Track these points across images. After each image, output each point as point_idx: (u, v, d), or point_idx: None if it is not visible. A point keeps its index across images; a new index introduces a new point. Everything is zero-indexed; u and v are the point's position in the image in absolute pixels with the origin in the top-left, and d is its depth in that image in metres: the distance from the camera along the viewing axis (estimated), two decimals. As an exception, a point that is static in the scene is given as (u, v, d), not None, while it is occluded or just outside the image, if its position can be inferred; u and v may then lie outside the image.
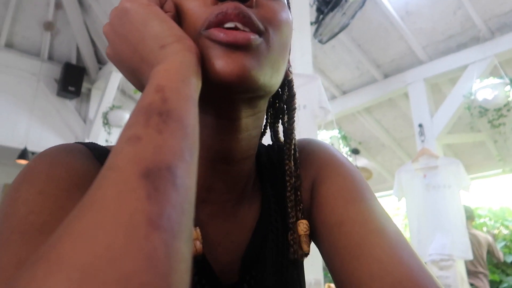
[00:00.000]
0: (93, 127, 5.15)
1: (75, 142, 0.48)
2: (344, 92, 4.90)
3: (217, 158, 0.46)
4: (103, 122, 4.69)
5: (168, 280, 0.21)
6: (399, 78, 4.31)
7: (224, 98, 0.42)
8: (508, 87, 3.38)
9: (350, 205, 0.46)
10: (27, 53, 5.18)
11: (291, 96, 0.53)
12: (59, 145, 0.45)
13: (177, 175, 0.26)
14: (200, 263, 0.44)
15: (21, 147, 4.61)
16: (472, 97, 3.51)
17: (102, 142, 4.85)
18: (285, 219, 0.51)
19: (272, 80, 0.42)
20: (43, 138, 5.01)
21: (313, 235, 0.51)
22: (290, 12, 0.49)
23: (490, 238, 3.97)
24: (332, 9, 3.00)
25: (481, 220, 5.75)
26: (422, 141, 3.89)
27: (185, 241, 0.24)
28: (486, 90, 3.44)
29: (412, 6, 3.69)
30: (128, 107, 5.12)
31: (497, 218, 5.61)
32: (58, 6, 5.01)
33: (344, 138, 4.59)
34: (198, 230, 0.44)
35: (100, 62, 5.54)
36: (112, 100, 4.96)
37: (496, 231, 5.51)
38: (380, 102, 4.77)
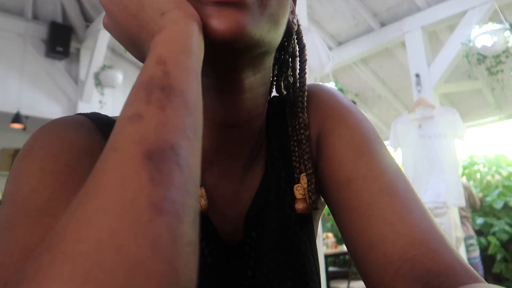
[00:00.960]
0: (85, 88, 5.06)
1: (77, 114, 0.46)
2: (340, 43, 4.79)
3: (224, 120, 0.45)
4: (95, 83, 4.61)
5: (175, 266, 0.22)
6: (396, 27, 4.20)
7: (224, 58, 0.40)
8: (508, 32, 3.30)
9: (359, 160, 0.44)
10: (9, 12, 4.97)
11: (301, 47, 0.52)
12: (60, 118, 0.45)
13: (180, 155, 0.26)
14: (203, 223, 0.44)
15: (14, 111, 4.55)
16: (471, 44, 3.43)
17: (95, 103, 4.79)
18: (291, 173, 0.51)
19: (270, 35, 0.41)
20: (35, 101, 4.94)
21: (321, 190, 0.50)
22: None
23: (468, 184, 4.12)
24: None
25: (475, 167, 5.85)
26: (419, 91, 3.85)
27: (191, 224, 0.24)
28: (485, 36, 3.36)
29: (410, -51, 3.52)
30: (119, 67, 5.01)
31: (491, 165, 5.70)
32: (38, -40, 4.76)
33: (341, 90, 4.55)
34: (203, 189, 0.44)
35: (87, 20, 5.34)
36: (103, 60, 4.84)
37: (490, 178, 5.62)
38: (376, 52, 4.68)
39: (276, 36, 0.42)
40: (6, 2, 4.93)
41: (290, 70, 0.52)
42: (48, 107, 5.04)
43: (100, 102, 4.59)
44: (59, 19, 5.21)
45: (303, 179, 0.48)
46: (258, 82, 0.45)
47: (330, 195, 0.46)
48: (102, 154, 0.26)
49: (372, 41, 4.43)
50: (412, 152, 3.75)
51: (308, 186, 0.48)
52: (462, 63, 3.86)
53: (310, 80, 2.27)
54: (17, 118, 4.48)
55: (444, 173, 3.50)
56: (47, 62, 5.12)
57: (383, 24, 4.36)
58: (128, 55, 5.14)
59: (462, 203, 3.42)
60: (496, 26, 3.33)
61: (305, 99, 0.51)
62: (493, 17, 3.51)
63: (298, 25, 0.52)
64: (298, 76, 0.52)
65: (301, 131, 0.49)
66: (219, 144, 0.47)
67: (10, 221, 0.34)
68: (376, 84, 5.26)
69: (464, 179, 4.15)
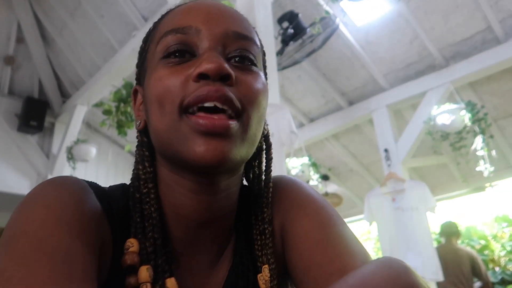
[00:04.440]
0: (57, 162, 4.97)
1: (78, 178, 0.47)
2: (312, 120, 5.00)
3: (199, 217, 0.47)
4: (67, 157, 4.53)
5: None
6: (363, 105, 4.45)
7: (205, 174, 0.44)
8: (464, 111, 3.55)
9: (316, 248, 0.46)
10: (-15, 88, 5.00)
11: (268, 147, 0.55)
12: (72, 177, 0.46)
13: None
14: None
15: (-22, 186, 4.37)
16: (432, 123, 3.66)
17: (66, 178, 4.65)
18: (255, 262, 0.52)
19: (249, 152, 0.45)
20: (3, 176, 4.77)
21: (290, 278, 0.51)
22: (265, 71, 0.52)
23: (474, 254, 3.78)
24: (295, 40, 3.10)
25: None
26: (389, 165, 3.98)
27: None
28: (444, 115, 3.60)
29: (371, 37, 3.87)
30: (94, 141, 4.99)
31: (463, 238, 5.76)
32: (20, 40, 4.91)
33: (314, 164, 4.64)
34: (173, 280, 0.45)
35: (64, 95, 5.42)
36: (77, 134, 4.82)
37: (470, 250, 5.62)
38: (346, 128, 4.89)
39: (253, 150, 0.46)
40: (-18, 78, 4.97)
41: (256, 163, 0.55)
42: (17, 182, 4.87)
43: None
44: (35, 94, 5.26)
45: (265, 271, 0.49)
46: (232, 183, 0.48)
47: (295, 282, 0.49)
48: None
49: (342, 118, 4.65)
50: (387, 225, 3.77)
51: (270, 281, 0.49)
52: (427, 139, 4.07)
53: (281, 154, 2.33)
54: (-20, 193, 4.28)
55: (418, 247, 3.50)
56: (19, 136, 5.06)
57: (351, 103, 4.62)
58: (103, 129, 5.17)
59: (440, 277, 3.38)
60: (453, 106, 3.59)
61: (270, 194, 0.52)
62: (451, 98, 3.79)
63: (266, 126, 0.54)
64: (263, 171, 0.54)
65: (265, 226, 0.50)
66: (191, 238, 0.48)
67: (24, 255, 0.33)
68: (348, 159, 5.42)
69: (469, 249, 3.94)
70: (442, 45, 3.77)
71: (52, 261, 0.33)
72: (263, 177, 0.53)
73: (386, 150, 4.06)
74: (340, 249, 0.45)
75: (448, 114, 3.58)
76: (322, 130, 4.84)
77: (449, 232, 3.86)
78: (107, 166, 5.53)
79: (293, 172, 4.42)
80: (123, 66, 4.07)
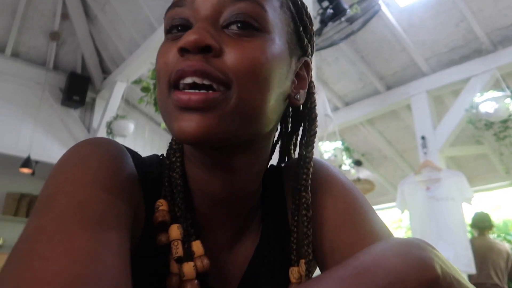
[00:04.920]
0: (97, 136, 5.16)
1: (120, 143, 0.47)
2: (347, 104, 4.92)
3: (217, 193, 0.47)
4: (107, 132, 4.71)
5: None
6: (402, 90, 4.32)
7: (201, 149, 0.44)
8: (509, 99, 3.38)
9: (340, 230, 0.46)
10: (33, 62, 5.23)
11: (312, 119, 0.51)
12: (110, 140, 0.46)
13: None
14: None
15: (25, 155, 4.63)
16: (474, 111, 3.51)
17: (105, 151, 4.85)
18: (287, 253, 0.50)
19: (245, 129, 0.41)
20: (46, 147, 5.03)
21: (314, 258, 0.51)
22: (296, 35, 0.48)
23: (510, 250, 3.64)
24: (334, 21, 3.03)
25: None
26: (425, 153, 3.88)
27: None
28: (487, 103, 3.44)
29: (415, 19, 3.72)
30: (132, 117, 5.15)
31: (500, 231, 5.57)
32: (65, 16, 5.08)
33: (347, 149, 4.59)
34: (199, 243, 0.46)
35: (105, 71, 5.59)
36: (116, 110, 4.99)
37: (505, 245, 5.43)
38: (383, 113, 4.78)
39: (258, 125, 0.43)
40: (30, 52, 5.21)
41: (292, 143, 0.53)
42: (59, 153, 5.10)
43: (110, 150, 4.65)
44: (78, 69, 5.46)
45: (302, 266, 0.48)
46: (251, 163, 0.47)
47: (319, 264, 0.49)
48: None
49: (378, 103, 4.54)
50: (420, 214, 3.69)
51: (306, 275, 0.48)
52: (468, 127, 3.92)
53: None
54: (27, 162, 4.54)
55: (452, 237, 3.42)
56: (63, 110, 5.29)
57: (389, 87, 4.50)
58: (141, 106, 5.31)
59: (472, 269, 3.30)
60: (498, 93, 3.42)
61: (309, 176, 0.49)
62: (496, 85, 3.61)
63: (310, 97, 0.52)
64: (303, 149, 0.51)
65: (303, 212, 0.48)
66: (212, 213, 0.49)
67: (61, 225, 0.32)
68: (383, 145, 5.31)
69: (507, 244, 3.75)
70: (490, 29, 3.57)
71: (89, 222, 0.33)
72: (303, 155, 0.50)
73: (423, 138, 3.95)
74: (366, 231, 0.45)
75: (492, 102, 3.41)
76: (358, 115, 4.75)
77: (483, 225, 3.73)
78: (144, 142, 5.70)
79: (326, 156, 4.39)
80: (162, 44, 4.13)
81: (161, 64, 0.42)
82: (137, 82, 4.16)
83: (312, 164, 0.50)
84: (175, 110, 0.40)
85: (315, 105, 0.52)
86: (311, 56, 0.52)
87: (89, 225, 0.33)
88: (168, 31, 0.45)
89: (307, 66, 0.51)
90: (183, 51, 0.40)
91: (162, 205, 0.46)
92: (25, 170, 4.58)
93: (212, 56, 0.39)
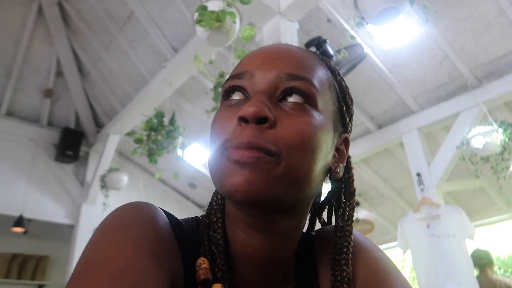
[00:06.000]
0: (91, 190, 5.12)
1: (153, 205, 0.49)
2: (340, 144, 4.94)
3: (255, 255, 0.49)
4: (101, 185, 4.66)
5: None
6: (393, 128, 4.38)
7: (245, 207, 0.46)
8: (496, 133, 3.41)
9: None
10: (26, 119, 5.28)
11: (350, 193, 0.54)
12: (148, 203, 0.48)
13: None
14: None
15: (17, 214, 4.54)
16: (464, 147, 3.53)
17: (99, 205, 4.79)
18: None
19: (291, 192, 0.44)
20: (40, 204, 4.96)
21: None
22: (340, 114, 0.52)
23: (509, 282, 3.56)
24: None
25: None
26: (422, 190, 3.86)
27: None
28: (477, 138, 3.47)
29: (400, 60, 3.85)
30: (126, 169, 5.12)
31: (507, 266, 5.43)
32: (59, 74, 5.20)
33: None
34: None
35: (98, 125, 5.63)
36: (110, 162, 4.97)
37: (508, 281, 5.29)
38: (376, 152, 4.80)
39: (302, 192, 0.46)
40: (24, 110, 5.27)
41: (342, 213, 0.54)
42: (52, 210, 5.04)
43: (104, 204, 4.59)
44: (72, 124, 5.50)
45: None
46: (291, 227, 0.49)
47: None
48: None
49: (371, 142, 4.58)
50: (422, 253, 3.61)
51: None
52: (462, 162, 3.93)
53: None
54: (19, 221, 4.45)
55: (458, 274, 3.32)
56: (56, 165, 5.27)
57: (380, 126, 4.56)
58: (134, 157, 5.30)
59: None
60: (487, 128, 3.46)
61: (350, 249, 0.51)
62: (485, 119, 3.67)
63: (348, 172, 0.55)
64: (343, 223, 0.53)
65: (345, 286, 0.49)
66: (250, 276, 0.50)
67: (98, 280, 0.34)
68: (379, 183, 5.30)
69: (507, 279, 3.66)
70: (473, 65, 3.69)
71: None
72: (343, 227, 0.52)
73: (418, 174, 3.95)
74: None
75: (481, 137, 3.45)
76: (352, 155, 4.75)
77: (481, 262, 3.62)
78: (138, 193, 5.64)
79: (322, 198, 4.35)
80: (154, 96, 4.21)
81: (218, 128, 0.46)
82: (130, 134, 4.19)
83: (352, 238, 0.52)
84: (229, 164, 0.42)
85: (353, 180, 0.55)
86: (350, 133, 0.57)
87: None
88: (225, 98, 0.49)
89: (346, 142, 0.55)
90: (241, 120, 0.43)
91: (204, 263, 0.47)
92: (17, 230, 4.47)
93: (266, 127, 0.43)
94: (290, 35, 2.75)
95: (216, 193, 0.54)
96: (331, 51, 3.09)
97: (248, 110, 0.42)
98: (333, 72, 0.53)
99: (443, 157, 3.86)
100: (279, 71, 0.46)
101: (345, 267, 0.50)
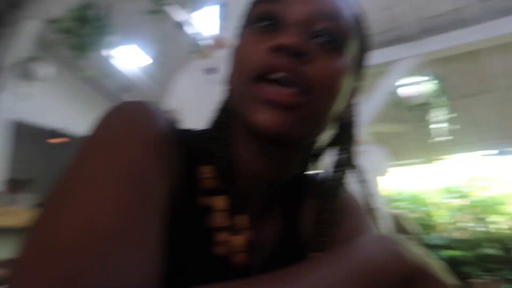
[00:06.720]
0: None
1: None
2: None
3: (259, 172, 0.49)
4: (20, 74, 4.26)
5: None
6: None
7: (265, 140, 0.45)
8: (428, 84, 3.52)
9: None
10: None
11: (348, 134, 0.54)
12: (154, 105, 0.45)
13: None
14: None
15: None
16: (395, 95, 3.63)
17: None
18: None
19: (312, 132, 0.47)
20: None
21: None
22: (360, 55, 0.51)
23: (397, 214, 3.79)
24: None
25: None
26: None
27: None
28: (409, 87, 3.58)
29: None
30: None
31: (415, 202, 5.92)
32: None
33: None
34: (246, 217, 0.49)
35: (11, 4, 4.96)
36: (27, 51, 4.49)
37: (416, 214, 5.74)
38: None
39: (319, 131, 0.48)
40: None
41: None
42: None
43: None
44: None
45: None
46: (300, 157, 0.52)
47: None
48: None
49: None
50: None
51: None
52: (393, 107, 4.02)
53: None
54: None
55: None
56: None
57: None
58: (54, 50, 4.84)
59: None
60: (419, 78, 3.55)
61: (338, 199, 0.53)
62: (419, 71, 3.71)
63: (350, 118, 0.53)
64: (337, 157, 0.54)
65: (330, 215, 0.52)
66: (249, 190, 0.51)
67: (109, 181, 0.34)
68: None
69: (397, 213, 3.94)
70: (417, 17, 3.61)
71: (129, 176, 0.35)
72: (334, 171, 0.53)
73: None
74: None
75: (413, 86, 3.56)
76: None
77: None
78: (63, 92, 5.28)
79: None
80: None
81: (244, 55, 0.45)
82: (54, 21, 3.73)
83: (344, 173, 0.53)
84: (257, 102, 0.42)
85: (354, 126, 0.54)
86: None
87: (128, 178, 0.34)
88: (254, 23, 0.46)
89: (356, 90, 0.55)
90: (278, 49, 0.42)
91: (210, 172, 0.48)
92: None
93: (300, 63, 0.42)
94: None
95: (223, 109, 0.53)
96: None
97: (287, 41, 0.41)
98: (361, 20, 0.51)
99: (376, 100, 3.92)
100: (316, 6, 0.45)
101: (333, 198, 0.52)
